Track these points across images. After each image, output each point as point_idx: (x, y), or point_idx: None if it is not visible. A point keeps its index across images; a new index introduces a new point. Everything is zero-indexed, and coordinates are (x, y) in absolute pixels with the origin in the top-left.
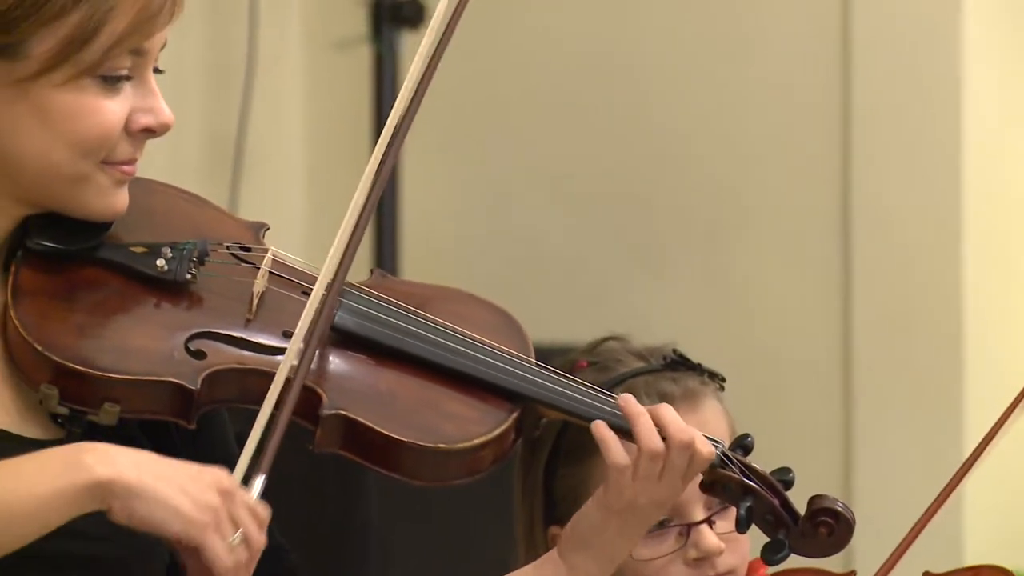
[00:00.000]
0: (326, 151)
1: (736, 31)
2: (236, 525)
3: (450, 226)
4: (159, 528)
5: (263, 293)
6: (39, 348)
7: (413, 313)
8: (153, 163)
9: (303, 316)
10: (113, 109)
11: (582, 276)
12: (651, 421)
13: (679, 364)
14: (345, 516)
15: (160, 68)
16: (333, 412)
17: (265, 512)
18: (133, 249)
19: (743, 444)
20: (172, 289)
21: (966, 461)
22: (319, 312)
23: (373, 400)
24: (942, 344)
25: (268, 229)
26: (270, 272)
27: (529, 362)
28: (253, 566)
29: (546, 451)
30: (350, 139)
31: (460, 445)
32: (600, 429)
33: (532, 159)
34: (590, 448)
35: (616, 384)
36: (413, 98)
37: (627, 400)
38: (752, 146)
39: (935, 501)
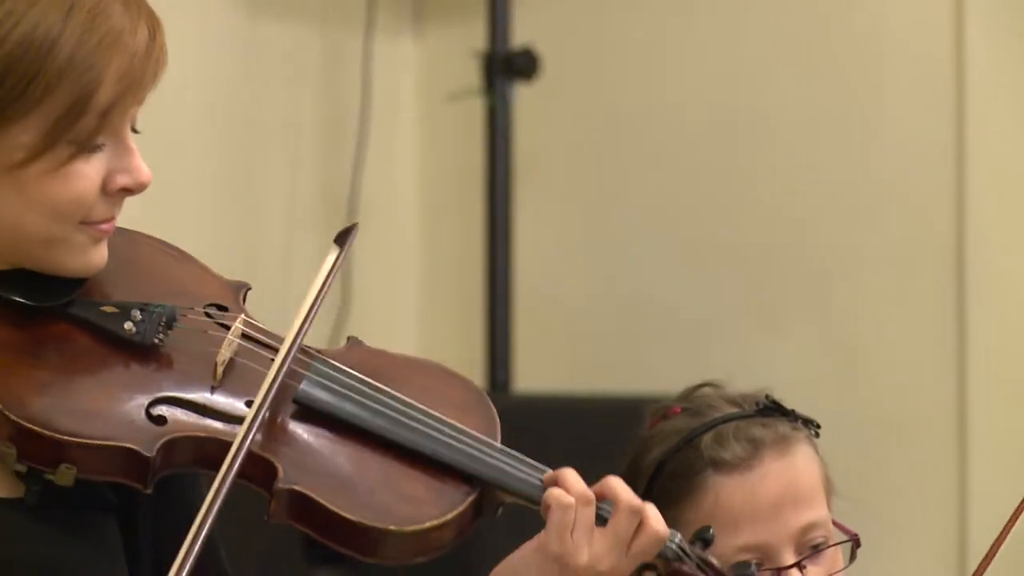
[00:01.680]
0: (439, 203)
1: (851, 91)
2: None
3: (563, 280)
4: None
5: (231, 360)
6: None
7: (378, 389)
8: (269, 216)
9: (259, 393)
10: (89, 174)
11: (696, 329)
12: (578, 476)
13: (772, 410)
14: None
15: (136, 129)
16: (287, 487)
17: None
18: (104, 308)
19: (703, 537)
20: (139, 351)
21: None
22: (268, 390)
23: (328, 477)
24: None
25: (249, 289)
26: (241, 339)
27: (492, 446)
28: None
29: (639, 494)
30: (463, 191)
31: (411, 528)
32: (549, 491)
33: (647, 215)
34: (683, 492)
35: (708, 429)
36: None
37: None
38: (867, 203)
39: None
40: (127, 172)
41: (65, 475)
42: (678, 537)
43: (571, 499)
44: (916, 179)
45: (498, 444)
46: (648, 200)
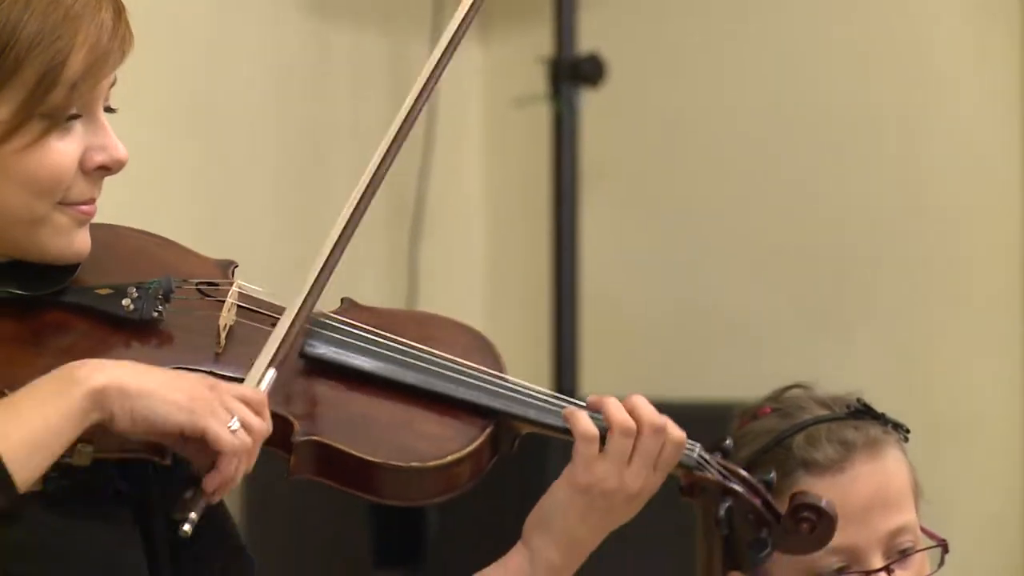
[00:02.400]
0: (505, 208)
1: (913, 92)
2: (231, 412)
3: (630, 286)
4: (161, 423)
5: (232, 327)
6: (7, 393)
7: (382, 335)
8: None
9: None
10: (65, 150)
11: (761, 335)
12: (620, 404)
13: (863, 413)
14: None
15: (113, 107)
16: (305, 438)
17: (257, 396)
18: (98, 291)
19: (721, 447)
20: (140, 328)
21: None
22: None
23: (345, 424)
24: None
25: (237, 267)
26: (239, 306)
27: (501, 378)
28: (255, 454)
29: None
30: (529, 197)
31: (434, 463)
32: (569, 409)
33: (713, 220)
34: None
35: (799, 430)
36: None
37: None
38: (930, 206)
39: None
40: (103, 149)
41: (82, 455)
42: (698, 447)
43: (595, 431)
44: (979, 180)
45: (507, 377)
46: (714, 205)
